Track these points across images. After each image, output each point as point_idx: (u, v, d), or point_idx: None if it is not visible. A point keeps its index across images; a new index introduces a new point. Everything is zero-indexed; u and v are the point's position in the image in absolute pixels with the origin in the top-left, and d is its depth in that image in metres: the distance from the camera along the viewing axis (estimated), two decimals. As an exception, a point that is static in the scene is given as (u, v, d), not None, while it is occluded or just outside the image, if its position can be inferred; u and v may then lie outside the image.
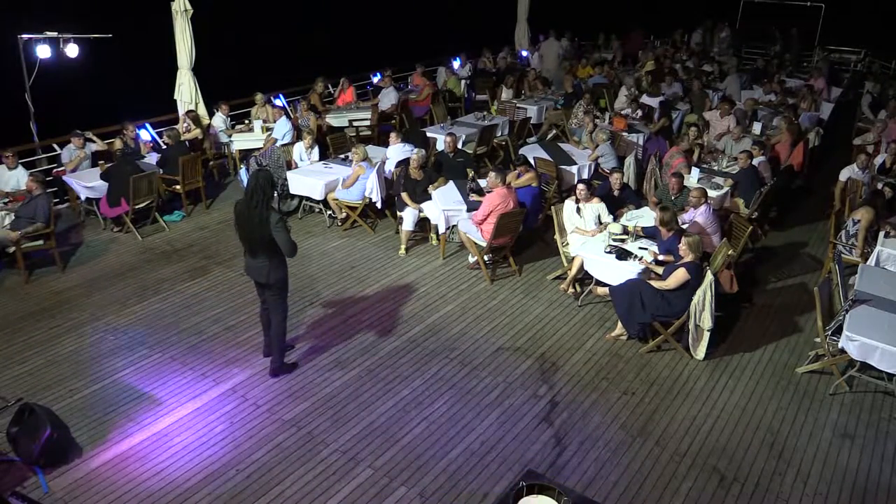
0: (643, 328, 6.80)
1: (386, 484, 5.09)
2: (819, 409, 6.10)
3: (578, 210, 8.02)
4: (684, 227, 7.55)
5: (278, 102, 12.75)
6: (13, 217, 8.01)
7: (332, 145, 11.03)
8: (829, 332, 6.37)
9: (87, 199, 9.36)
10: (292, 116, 11.72)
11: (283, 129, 10.93)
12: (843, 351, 6.10)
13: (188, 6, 10.97)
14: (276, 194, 5.78)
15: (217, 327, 7.07)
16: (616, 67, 17.20)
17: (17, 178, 8.85)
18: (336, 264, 8.53)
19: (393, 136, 10.11)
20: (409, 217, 8.78)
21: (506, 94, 14.53)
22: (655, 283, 6.62)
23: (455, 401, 6.02)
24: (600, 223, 7.96)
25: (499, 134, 12.26)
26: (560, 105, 13.62)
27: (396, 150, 9.86)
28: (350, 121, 12.47)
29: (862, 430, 5.85)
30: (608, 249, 7.34)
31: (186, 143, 10.42)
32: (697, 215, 7.74)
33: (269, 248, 5.77)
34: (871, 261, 7.61)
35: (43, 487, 4.92)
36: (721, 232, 7.87)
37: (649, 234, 7.52)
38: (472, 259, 8.44)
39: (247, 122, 11.78)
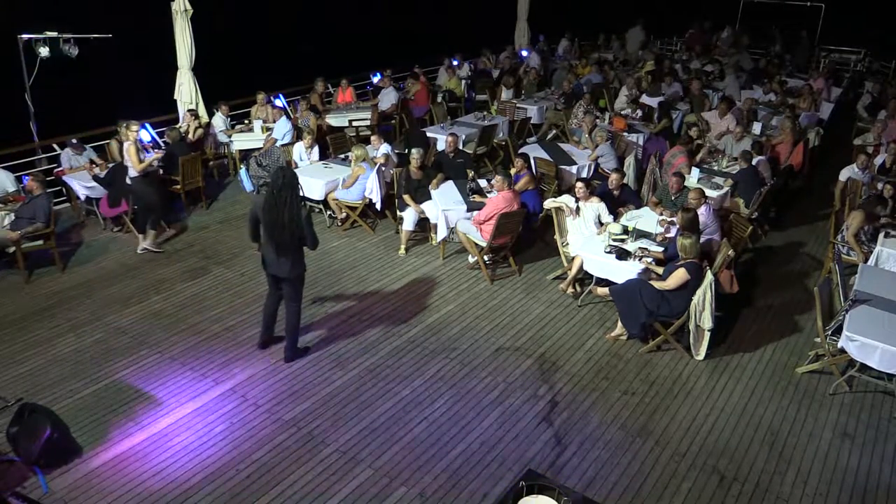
0: (643, 328, 6.80)
1: (386, 484, 5.09)
2: (819, 409, 6.10)
3: (578, 210, 8.02)
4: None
5: (278, 103, 12.75)
6: (13, 217, 8.01)
7: (332, 145, 11.03)
8: (829, 332, 6.37)
9: (87, 198, 9.36)
10: (292, 116, 11.72)
11: (282, 129, 10.93)
12: (843, 351, 6.10)
13: (188, 6, 10.97)
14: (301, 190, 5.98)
15: (217, 327, 7.07)
16: (616, 67, 17.20)
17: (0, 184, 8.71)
18: (336, 264, 8.53)
19: (374, 138, 10.07)
20: (409, 217, 8.78)
21: (506, 94, 14.53)
22: (655, 284, 6.62)
23: (455, 401, 6.03)
24: (600, 223, 7.96)
25: (499, 134, 12.26)
26: (560, 105, 13.62)
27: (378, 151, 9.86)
28: (350, 121, 12.47)
29: (862, 430, 5.85)
30: (608, 249, 7.34)
31: (187, 142, 10.42)
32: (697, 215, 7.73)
33: (297, 244, 5.90)
34: (871, 261, 7.62)
35: (43, 487, 4.92)
36: (721, 232, 7.87)
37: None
38: (472, 259, 8.43)
39: (247, 122, 11.78)
